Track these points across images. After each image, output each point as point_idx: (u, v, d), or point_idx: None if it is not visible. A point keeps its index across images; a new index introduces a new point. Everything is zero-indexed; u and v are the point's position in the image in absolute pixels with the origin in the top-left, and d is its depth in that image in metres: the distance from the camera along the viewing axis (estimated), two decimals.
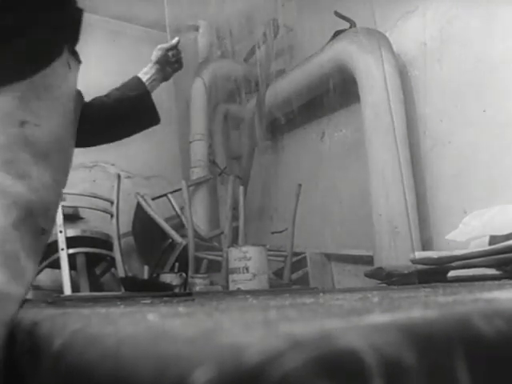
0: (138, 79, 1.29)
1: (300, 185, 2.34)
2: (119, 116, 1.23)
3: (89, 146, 1.29)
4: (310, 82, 2.53)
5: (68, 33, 0.87)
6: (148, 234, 2.68)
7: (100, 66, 2.63)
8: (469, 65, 1.97)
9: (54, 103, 0.79)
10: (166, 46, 1.36)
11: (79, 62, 0.93)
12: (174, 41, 1.38)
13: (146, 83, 1.28)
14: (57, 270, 2.29)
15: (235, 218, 2.49)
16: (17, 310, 0.60)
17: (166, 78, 1.37)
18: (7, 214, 0.66)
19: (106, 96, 1.22)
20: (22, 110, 0.74)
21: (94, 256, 2.50)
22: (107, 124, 1.21)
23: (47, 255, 2.25)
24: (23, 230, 0.68)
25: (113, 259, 2.46)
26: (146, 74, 1.31)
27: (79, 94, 1.00)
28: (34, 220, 0.71)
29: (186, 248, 2.39)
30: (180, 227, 2.61)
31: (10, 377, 0.52)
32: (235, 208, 2.50)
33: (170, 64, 1.37)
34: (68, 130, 0.83)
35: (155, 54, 1.35)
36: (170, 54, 1.36)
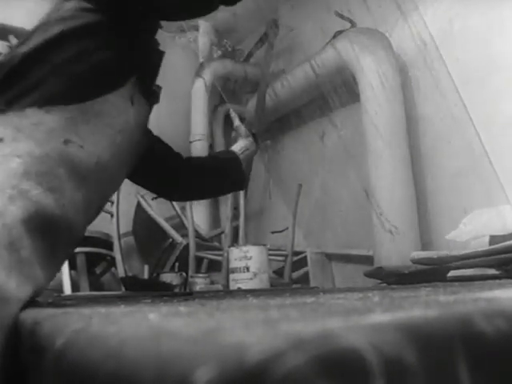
0: (230, 149, 1.36)
1: (300, 185, 2.34)
2: (209, 174, 1.28)
3: (175, 199, 1.35)
4: (310, 82, 2.53)
5: (136, 70, 0.89)
6: (148, 234, 2.68)
7: None
8: (469, 64, 1.97)
9: (103, 130, 0.81)
10: (237, 119, 1.43)
11: (154, 102, 0.96)
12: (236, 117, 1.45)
13: (239, 152, 1.32)
14: None
15: (235, 217, 2.49)
16: (17, 313, 0.60)
17: (256, 151, 1.40)
18: (26, 222, 0.66)
19: (201, 157, 1.29)
20: (67, 130, 0.75)
21: (94, 256, 2.50)
22: (198, 180, 1.25)
23: None
24: (38, 241, 0.67)
25: (113, 259, 2.46)
26: (237, 146, 1.35)
27: (147, 133, 1.03)
28: (55, 235, 0.71)
29: (186, 248, 2.39)
30: (180, 227, 2.61)
31: (13, 375, 0.52)
32: (236, 208, 2.50)
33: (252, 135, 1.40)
34: (116, 159, 0.84)
35: (242, 129, 1.39)
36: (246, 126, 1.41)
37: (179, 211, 2.69)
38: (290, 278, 2.28)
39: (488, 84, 1.91)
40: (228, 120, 3.30)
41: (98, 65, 0.81)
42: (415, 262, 1.55)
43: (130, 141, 0.89)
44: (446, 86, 2.06)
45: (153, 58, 0.95)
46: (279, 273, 2.36)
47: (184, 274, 2.00)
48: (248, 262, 1.69)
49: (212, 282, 2.01)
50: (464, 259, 1.37)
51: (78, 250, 2.38)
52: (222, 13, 2.90)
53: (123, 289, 2.00)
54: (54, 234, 0.71)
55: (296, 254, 2.41)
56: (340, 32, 2.36)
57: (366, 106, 2.14)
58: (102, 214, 2.57)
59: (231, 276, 1.74)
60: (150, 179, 1.18)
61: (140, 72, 0.90)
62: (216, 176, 1.29)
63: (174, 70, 3.17)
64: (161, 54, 0.96)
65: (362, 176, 2.20)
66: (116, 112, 0.83)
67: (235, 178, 1.33)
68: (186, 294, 1.56)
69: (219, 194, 1.41)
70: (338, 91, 2.49)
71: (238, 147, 1.34)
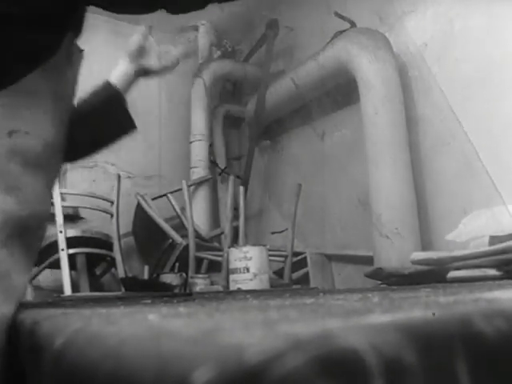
0: (107, 81, 1.12)
1: (300, 185, 2.34)
2: (91, 124, 1.06)
3: (70, 160, 1.15)
4: (310, 82, 2.53)
5: (68, 25, 0.77)
6: (148, 234, 2.68)
7: (101, 67, 2.63)
8: (469, 65, 1.97)
9: (45, 107, 0.72)
10: (136, 37, 1.17)
11: (81, 55, 0.83)
12: (141, 30, 1.18)
13: (116, 81, 1.10)
14: (57, 270, 2.29)
15: (235, 217, 2.49)
16: (7, 329, 0.58)
17: (142, 73, 1.17)
18: None
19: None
20: (8, 118, 0.68)
21: (94, 256, 2.50)
22: (79, 134, 1.00)
23: (47, 255, 2.25)
24: (14, 247, 0.64)
25: (113, 259, 2.46)
26: (115, 71, 1.13)
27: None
28: (27, 235, 0.67)
29: (186, 248, 2.39)
30: (180, 227, 2.61)
31: (12, 376, 0.52)
32: (235, 208, 2.50)
33: (145, 57, 1.17)
34: (60, 131, 0.75)
35: (127, 47, 1.15)
36: (146, 45, 1.16)
37: (179, 211, 2.69)
38: (289, 278, 2.28)
39: (488, 84, 1.91)
40: (227, 120, 3.31)
41: (23, 39, 0.71)
42: (415, 262, 1.55)
43: (70, 100, 0.80)
44: (446, 86, 2.06)
45: (79, 6, 0.81)
46: (279, 273, 2.36)
47: (184, 274, 2.00)
48: (248, 263, 1.69)
49: (212, 283, 2.01)
50: (464, 260, 1.37)
51: (78, 250, 2.38)
52: (222, 13, 2.91)
53: (123, 289, 2.00)
54: (26, 236, 0.67)
55: (296, 254, 2.41)
56: (340, 32, 2.36)
57: (366, 107, 2.14)
58: (102, 215, 2.60)
59: (231, 277, 1.74)
60: None
61: (76, 24, 0.79)
62: (99, 125, 1.07)
63: (173, 70, 3.17)
64: (85, 1, 0.81)
65: (362, 176, 2.20)
66: (55, 82, 0.74)
67: (121, 120, 1.10)
68: (185, 294, 1.56)
69: (107, 144, 1.15)
70: (337, 91, 2.49)
71: (115, 73, 1.11)
